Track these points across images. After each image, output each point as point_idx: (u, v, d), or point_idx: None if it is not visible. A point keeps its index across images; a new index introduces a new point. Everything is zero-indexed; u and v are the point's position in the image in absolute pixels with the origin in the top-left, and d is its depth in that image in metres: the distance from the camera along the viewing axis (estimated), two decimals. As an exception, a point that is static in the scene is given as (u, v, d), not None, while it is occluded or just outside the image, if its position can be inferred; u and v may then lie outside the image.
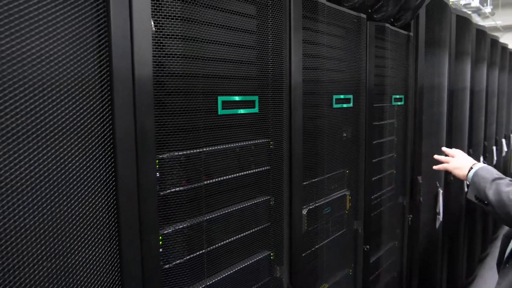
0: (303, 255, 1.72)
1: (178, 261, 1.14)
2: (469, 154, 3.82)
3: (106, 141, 0.89)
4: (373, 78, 2.13)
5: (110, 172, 0.90)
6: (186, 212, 1.16)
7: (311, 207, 1.75)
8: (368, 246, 2.19)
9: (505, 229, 1.55)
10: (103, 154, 0.88)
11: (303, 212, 1.69)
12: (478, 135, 4.12)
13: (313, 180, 1.78)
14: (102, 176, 0.88)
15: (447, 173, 3.27)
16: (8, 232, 0.71)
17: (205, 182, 1.21)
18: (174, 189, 1.11)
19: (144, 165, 0.97)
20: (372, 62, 2.12)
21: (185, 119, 1.12)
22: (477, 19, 7.25)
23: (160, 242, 1.08)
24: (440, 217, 3.07)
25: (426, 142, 2.81)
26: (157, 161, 1.05)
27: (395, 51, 2.42)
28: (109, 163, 0.90)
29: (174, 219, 1.12)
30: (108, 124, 0.89)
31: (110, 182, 0.90)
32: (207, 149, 1.20)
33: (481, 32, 4.04)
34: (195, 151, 1.16)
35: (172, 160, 1.10)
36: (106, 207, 0.90)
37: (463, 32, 3.42)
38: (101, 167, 0.88)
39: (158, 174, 1.06)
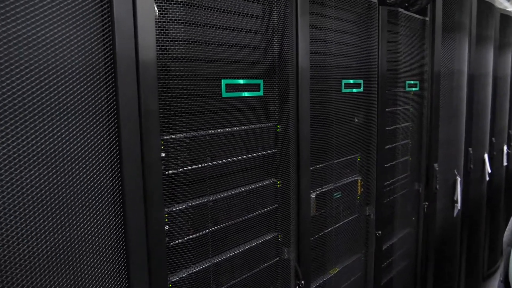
0: (314, 238, 1.75)
1: (184, 239, 1.19)
2: (491, 142, 3.74)
3: (110, 121, 0.94)
4: (385, 63, 2.11)
5: (115, 150, 0.95)
6: (192, 192, 1.20)
7: (320, 191, 1.78)
8: (380, 232, 2.20)
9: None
10: (108, 132, 0.93)
11: (311, 196, 1.72)
12: (502, 122, 4.01)
13: (323, 165, 1.80)
14: (107, 153, 0.93)
15: (467, 160, 3.22)
16: (32, 203, 0.77)
17: (210, 164, 1.25)
18: (179, 169, 1.16)
19: (148, 144, 1.02)
20: (384, 47, 2.10)
21: (189, 101, 1.16)
22: (506, 4, 6.99)
23: (166, 220, 1.13)
24: (458, 205, 3.03)
25: (444, 128, 2.77)
26: (162, 142, 1.10)
27: (409, 37, 2.39)
28: (114, 141, 0.95)
29: (179, 199, 1.17)
30: (112, 105, 0.94)
31: (115, 159, 0.95)
32: (212, 131, 1.24)
33: (506, 17, 3.92)
34: (199, 132, 1.20)
35: (176, 141, 1.14)
36: (112, 183, 0.95)
37: (485, 17, 3.33)
38: (106, 144, 0.93)
39: (163, 154, 1.11)
